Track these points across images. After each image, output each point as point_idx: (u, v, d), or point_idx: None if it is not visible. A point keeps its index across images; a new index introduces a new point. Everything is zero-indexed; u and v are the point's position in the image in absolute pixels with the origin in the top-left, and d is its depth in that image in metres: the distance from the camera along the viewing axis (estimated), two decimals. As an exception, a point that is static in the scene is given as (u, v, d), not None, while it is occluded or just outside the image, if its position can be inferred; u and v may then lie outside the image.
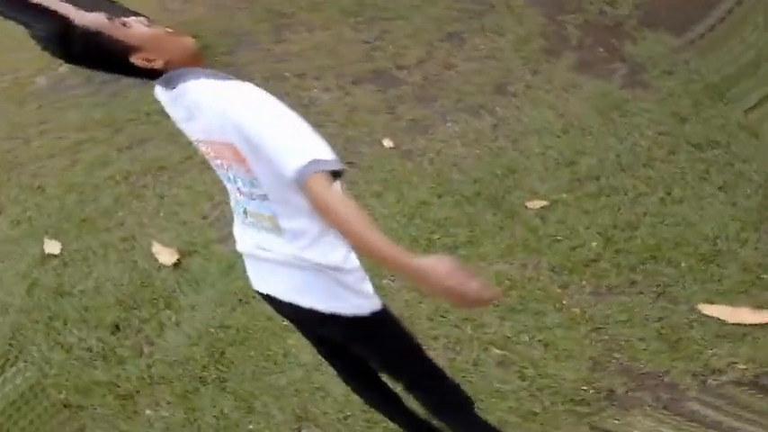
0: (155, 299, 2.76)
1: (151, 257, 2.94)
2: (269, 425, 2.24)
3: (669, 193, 2.76)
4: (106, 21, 1.46)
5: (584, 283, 2.45)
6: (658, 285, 2.40)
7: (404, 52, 3.94)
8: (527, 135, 3.16)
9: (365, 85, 3.75)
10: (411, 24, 4.16)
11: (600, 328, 2.30)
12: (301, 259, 1.55)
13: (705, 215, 2.63)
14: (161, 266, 2.90)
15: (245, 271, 1.68)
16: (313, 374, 2.34)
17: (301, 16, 4.42)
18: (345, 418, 2.20)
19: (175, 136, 3.47)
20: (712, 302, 2.33)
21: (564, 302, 2.39)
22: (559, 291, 2.44)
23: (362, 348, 1.76)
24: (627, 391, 2.11)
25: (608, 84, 3.45)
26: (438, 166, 3.10)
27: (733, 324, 2.27)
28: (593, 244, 2.56)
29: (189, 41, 1.52)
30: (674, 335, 2.23)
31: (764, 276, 2.36)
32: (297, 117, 1.40)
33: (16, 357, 2.64)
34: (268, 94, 1.43)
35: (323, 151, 1.36)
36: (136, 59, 1.48)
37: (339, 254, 1.55)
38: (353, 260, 1.60)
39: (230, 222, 1.63)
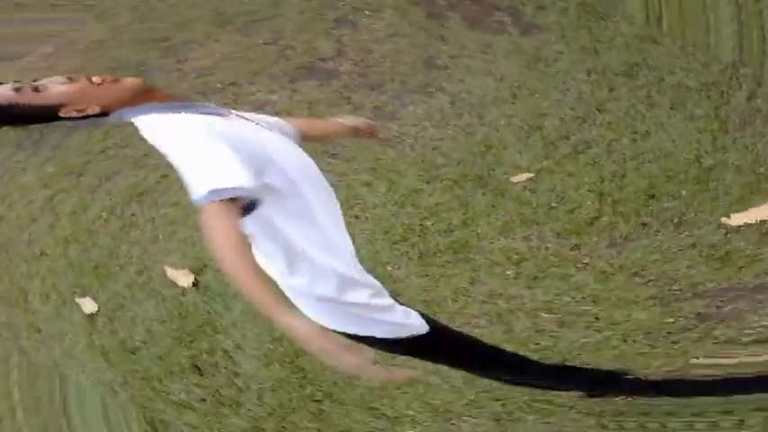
0: (201, 326, 2.79)
1: (171, 284, 2.95)
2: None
3: (635, 131, 2.97)
4: (13, 93, 1.43)
5: (595, 239, 2.62)
6: (672, 220, 2.56)
7: (312, 46, 3.93)
8: (485, 107, 3.30)
9: (305, 81, 3.73)
10: (290, 20, 4.15)
11: (639, 272, 2.46)
12: (288, 288, 1.57)
13: (676, 140, 2.87)
14: (184, 291, 2.91)
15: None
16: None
17: (182, 37, 4.28)
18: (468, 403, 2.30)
19: (141, 161, 3.47)
20: (736, 212, 2.47)
21: (585, 262, 2.57)
22: (574, 253, 2.61)
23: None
24: (716, 308, 2.26)
25: (510, 36, 3.63)
26: (420, 151, 3.18)
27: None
28: (589, 203, 2.75)
29: (127, 84, 1.50)
30: (719, 252, 2.41)
31: (762, 170, 2.60)
32: (212, 142, 1.38)
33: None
34: (194, 121, 1.43)
35: (224, 179, 1.32)
36: (66, 114, 1.47)
37: (328, 285, 1.55)
38: (359, 295, 1.59)
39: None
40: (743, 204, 2.55)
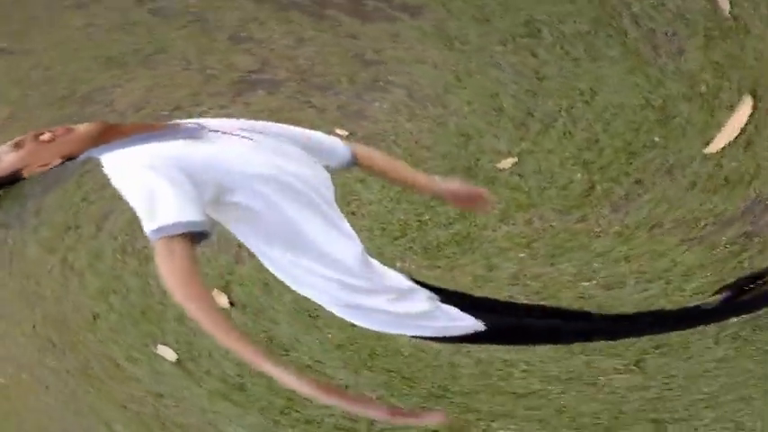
0: (268, 347, 2.81)
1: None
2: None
3: (580, 92, 3.07)
4: None
5: (598, 209, 2.77)
6: (661, 167, 2.68)
7: (229, 62, 3.82)
8: (444, 96, 3.37)
9: (250, 93, 3.63)
10: (183, 47, 3.99)
11: (656, 225, 2.59)
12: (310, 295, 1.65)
13: (618, 89, 2.96)
14: (227, 312, 2.93)
15: (275, 278, 1.70)
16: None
17: (88, 87, 4.08)
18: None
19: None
20: (712, 139, 2.58)
21: (597, 230, 2.73)
22: (581, 225, 2.78)
23: None
24: (751, 225, 2.41)
25: (404, 22, 3.59)
26: (405, 146, 3.22)
27: (747, 126, 2.51)
28: (578, 176, 2.93)
29: (82, 131, 1.49)
30: (719, 179, 2.54)
31: (702, 88, 2.72)
32: (155, 177, 1.39)
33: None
34: (140, 155, 1.44)
35: (167, 216, 1.37)
36: (29, 173, 1.50)
37: (338, 294, 1.57)
38: (376, 302, 1.60)
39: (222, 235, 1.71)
40: (711, 128, 2.67)
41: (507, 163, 3.08)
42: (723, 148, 2.58)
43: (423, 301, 1.67)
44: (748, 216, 2.49)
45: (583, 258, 2.72)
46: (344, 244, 1.61)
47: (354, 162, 1.80)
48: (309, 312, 2.87)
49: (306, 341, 2.82)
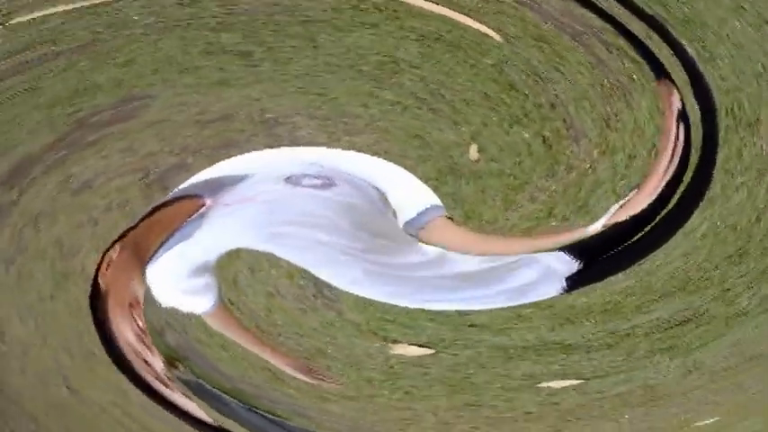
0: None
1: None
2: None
3: (471, 65, 2.84)
4: None
5: (567, 150, 2.72)
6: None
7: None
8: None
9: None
10: None
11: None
12: None
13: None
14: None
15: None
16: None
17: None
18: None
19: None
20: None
21: (585, 166, 2.70)
22: (572, 174, 2.72)
23: None
24: None
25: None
26: (389, 158, 2.67)
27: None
28: (525, 135, 2.76)
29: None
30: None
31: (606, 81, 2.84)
32: None
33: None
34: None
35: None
36: None
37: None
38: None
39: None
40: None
41: (474, 152, 2.81)
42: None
43: None
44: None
45: (601, 190, 2.72)
46: None
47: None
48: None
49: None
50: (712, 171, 2.52)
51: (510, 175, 2.77)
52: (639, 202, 2.57)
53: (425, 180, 2.73)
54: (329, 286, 2.37)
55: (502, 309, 2.36)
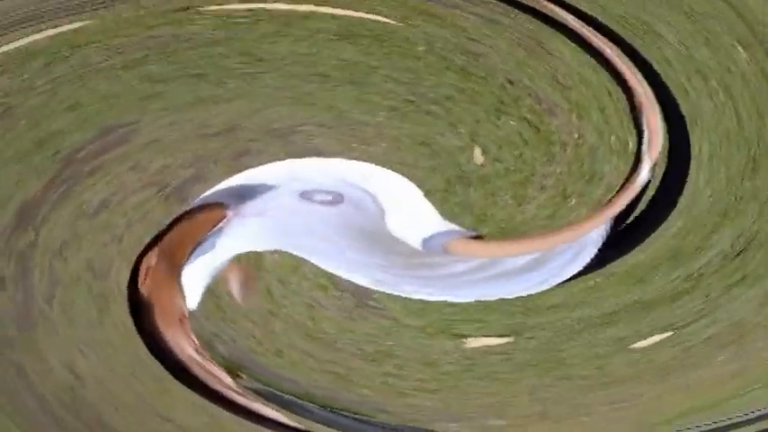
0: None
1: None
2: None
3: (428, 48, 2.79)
4: None
5: (553, 132, 2.73)
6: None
7: None
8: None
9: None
10: None
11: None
12: None
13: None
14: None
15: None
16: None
17: None
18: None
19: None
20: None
21: (577, 138, 2.70)
22: (565, 152, 2.72)
23: None
24: None
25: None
26: (399, 170, 2.62)
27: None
28: (511, 123, 2.75)
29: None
30: None
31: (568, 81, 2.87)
32: None
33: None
34: None
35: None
36: None
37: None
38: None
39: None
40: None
41: (478, 155, 2.78)
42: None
43: None
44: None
45: (599, 154, 2.73)
46: None
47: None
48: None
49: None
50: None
51: (515, 171, 2.75)
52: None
53: (434, 192, 2.67)
54: (370, 296, 2.20)
55: (565, 286, 2.27)
